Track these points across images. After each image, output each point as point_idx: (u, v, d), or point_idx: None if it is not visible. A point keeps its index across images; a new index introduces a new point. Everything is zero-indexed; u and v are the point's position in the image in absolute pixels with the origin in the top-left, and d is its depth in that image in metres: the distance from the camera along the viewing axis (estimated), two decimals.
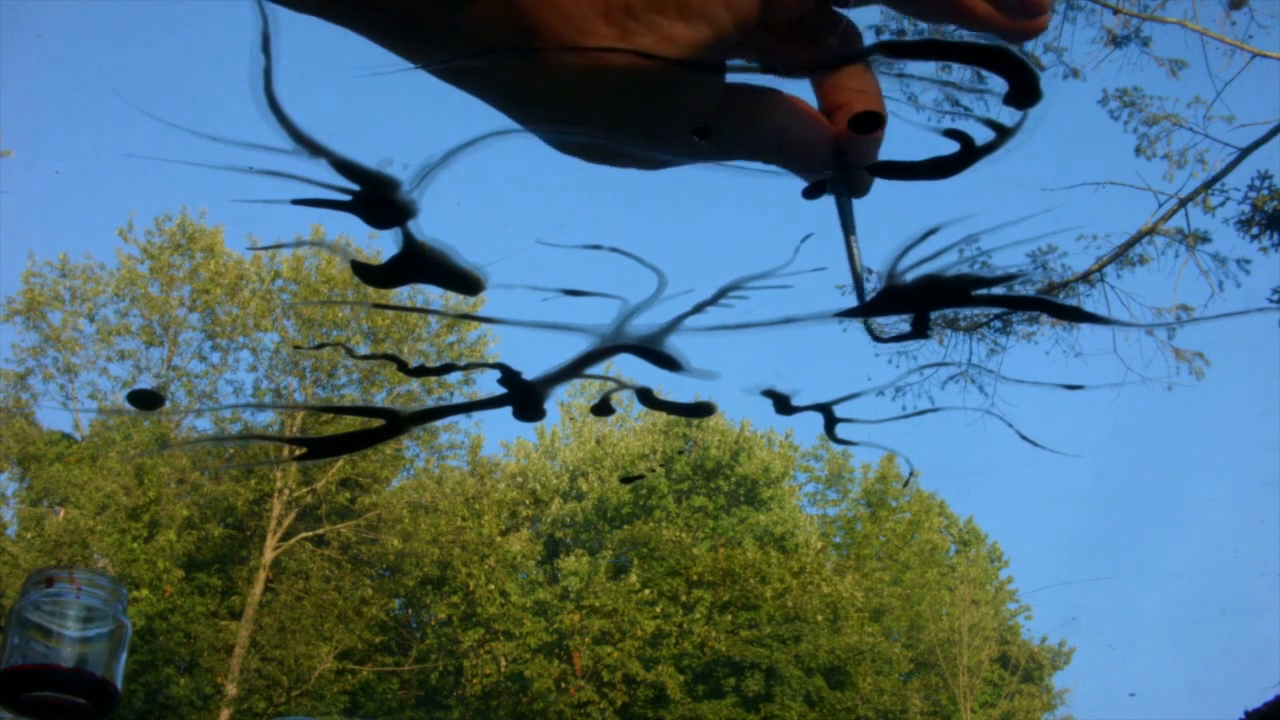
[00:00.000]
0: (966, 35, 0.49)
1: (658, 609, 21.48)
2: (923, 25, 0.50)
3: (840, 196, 0.54)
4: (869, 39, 0.50)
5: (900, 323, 0.58)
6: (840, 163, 0.53)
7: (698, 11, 0.45)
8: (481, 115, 0.49)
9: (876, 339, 0.57)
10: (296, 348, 25.15)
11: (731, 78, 0.51)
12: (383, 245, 0.51)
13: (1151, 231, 9.54)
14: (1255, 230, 9.28)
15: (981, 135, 0.52)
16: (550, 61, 0.45)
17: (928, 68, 0.49)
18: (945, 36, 0.49)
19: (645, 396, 0.63)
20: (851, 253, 0.54)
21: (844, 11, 0.50)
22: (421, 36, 0.45)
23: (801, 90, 0.53)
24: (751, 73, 0.50)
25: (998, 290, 0.55)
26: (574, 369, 0.58)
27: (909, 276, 0.55)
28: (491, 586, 21.30)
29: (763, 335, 0.56)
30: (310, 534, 19.83)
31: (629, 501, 24.03)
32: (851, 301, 0.57)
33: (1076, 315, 0.63)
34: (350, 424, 0.58)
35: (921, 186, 0.54)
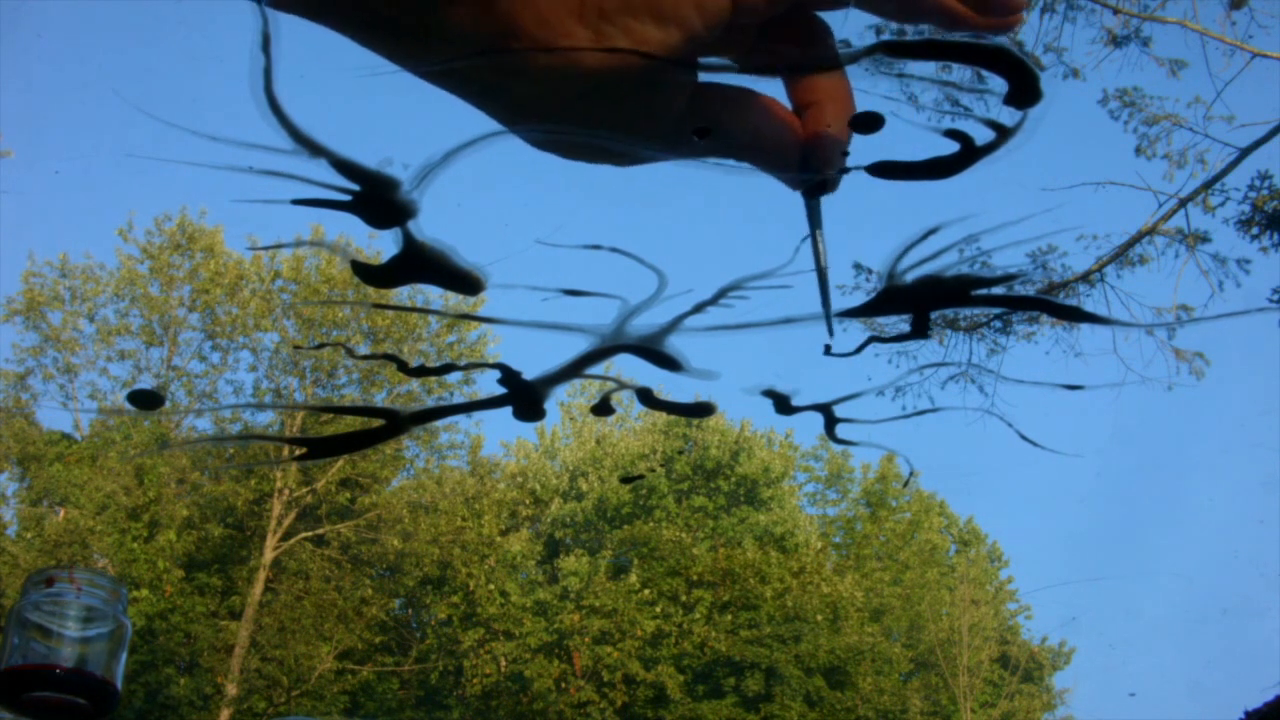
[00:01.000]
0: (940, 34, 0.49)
1: (658, 609, 21.48)
2: (922, 25, 0.50)
3: (808, 194, 0.55)
4: (868, 39, 0.50)
5: (900, 323, 0.58)
6: (809, 162, 0.53)
7: (669, 14, 0.45)
8: (481, 115, 0.49)
9: (828, 352, 0.57)
10: (296, 348, 25.16)
11: (704, 77, 0.51)
12: (383, 245, 0.51)
13: (1151, 231, 9.54)
14: (1255, 230, 9.28)
15: (981, 135, 0.52)
16: (525, 60, 0.46)
17: (928, 68, 0.49)
18: (945, 36, 0.49)
19: (645, 396, 0.63)
20: (817, 249, 0.55)
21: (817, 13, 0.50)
22: (401, 37, 0.46)
23: (774, 89, 0.54)
24: (725, 72, 0.51)
25: (998, 290, 0.55)
26: (574, 369, 0.58)
27: (909, 276, 0.55)
28: (491, 586, 21.30)
29: (763, 335, 0.56)
30: (310, 534, 19.82)
31: (629, 501, 24.02)
32: (851, 301, 0.57)
33: (1076, 315, 0.63)
34: (350, 424, 0.58)
35: (921, 186, 0.54)
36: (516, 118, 0.49)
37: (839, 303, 0.56)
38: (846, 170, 0.53)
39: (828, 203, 0.55)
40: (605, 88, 0.47)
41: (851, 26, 0.51)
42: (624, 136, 0.50)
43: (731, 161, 0.53)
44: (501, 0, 0.44)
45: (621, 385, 0.64)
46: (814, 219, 0.55)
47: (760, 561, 21.97)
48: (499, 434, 26.55)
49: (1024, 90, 0.50)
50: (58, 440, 20.08)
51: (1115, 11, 9.28)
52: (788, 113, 0.53)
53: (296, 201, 0.49)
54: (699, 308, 0.57)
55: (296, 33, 0.45)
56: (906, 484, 28.74)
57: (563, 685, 20.99)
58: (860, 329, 0.61)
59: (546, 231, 0.58)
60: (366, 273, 0.53)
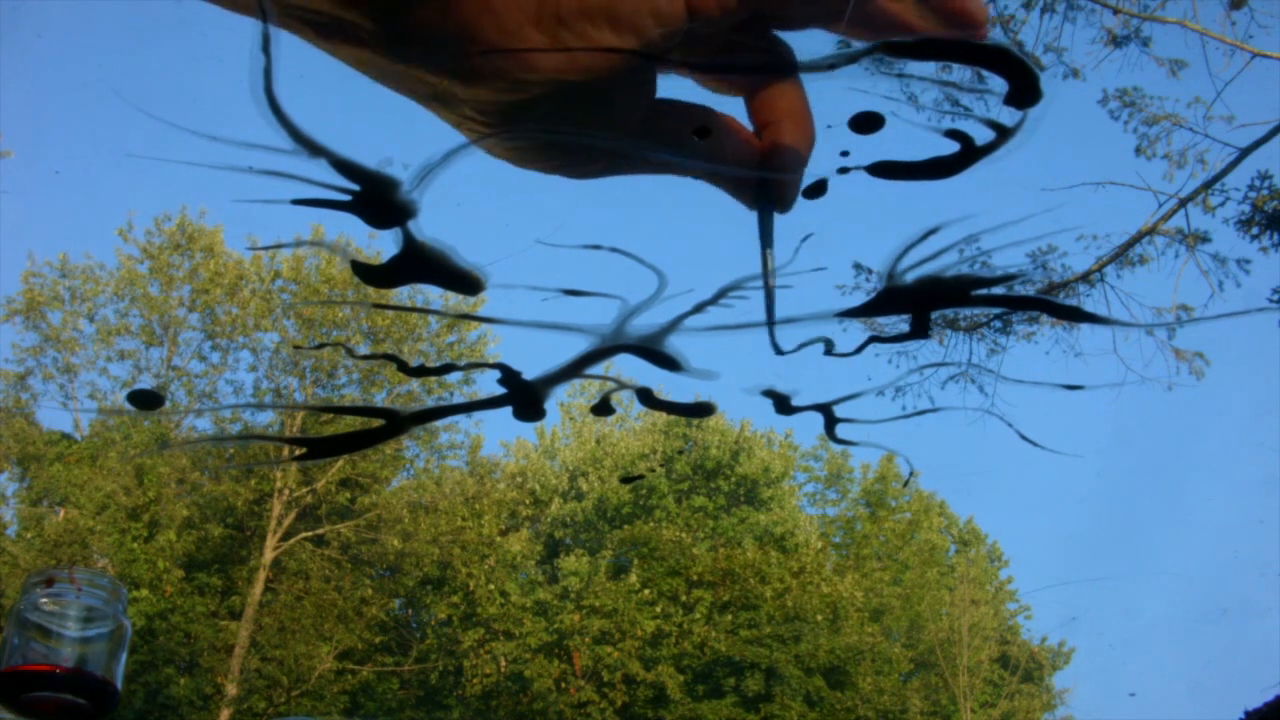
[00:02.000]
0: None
1: (658, 609, 21.48)
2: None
3: (763, 212, 0.55)
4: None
5: (900, 323, 0.58)
6: (765, 180, 0.54)
7: (625, 20, 0.46)
8: None
9: (779, 352, 0.57)
10: (296, 348, 25.16)
11: (663, 92, 0.52)
12: (383, 245, 0.51)
13: (1151, 231, 9.54)
14: (1255, 230, 9.28)
15: (981, 135, 0.52)
16: (480, 65, 0.46)
17: (928, 68, 0.49)
18: (946, 36, 0.49)
19: (645, 396, 0.63)
20: (766, 266, 0.55)
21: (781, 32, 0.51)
22: (362, 42, 0.46)
23: (736, 109, 0.54)
24: (685, 75, 0.51)
25: (998, 290, 0.55)
26: (574, 369, 0.58)
27: (909, 276, 0.55)
28: (491, 586, 21.31)
29: (763, 335, 0.56)
30: (310, 534, 19.83)
31: (629, 501, 24.03)
32: (851, 301, 0.57)
33: (1076, 315, 0.63)
34: (350, 424, 0.58)
35: (921, 186, 0.54)
36: (467, 121, 0.49)
37: (840, 303, 0.56)
38: (849, 171, 0.53)
39: (829, 202, 0.55)
40: (563, 93, 0.47)
41: None
42: (584, 138, 0.51)
43: (690, 178, 0.54)
44: (462, 5, 0.44)
45: (621, 385, 0.64)
46: (766, 236, 0.55)
47: (760, 561, 21.97)
48: (499, 434, 26.56)
49: (1024, 90, 0.50)
50: (58, 440, 20.08)
51: (1115, 11, 9.28)
52: (747, 131, 0.54)
53: (296, 201, 0.49)
54: (699, 308, 0.57)
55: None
56: (906, 484, 28.74)
57: (563, 685, 20.99)
58: (860, 329, 0.61)
59: (546, 231, 0.58)
60: (366, 273, 0.53)
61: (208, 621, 18.77)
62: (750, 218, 0.55)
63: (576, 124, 0.50)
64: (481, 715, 21.52)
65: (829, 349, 0.59)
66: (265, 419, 22.12)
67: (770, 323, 0.55)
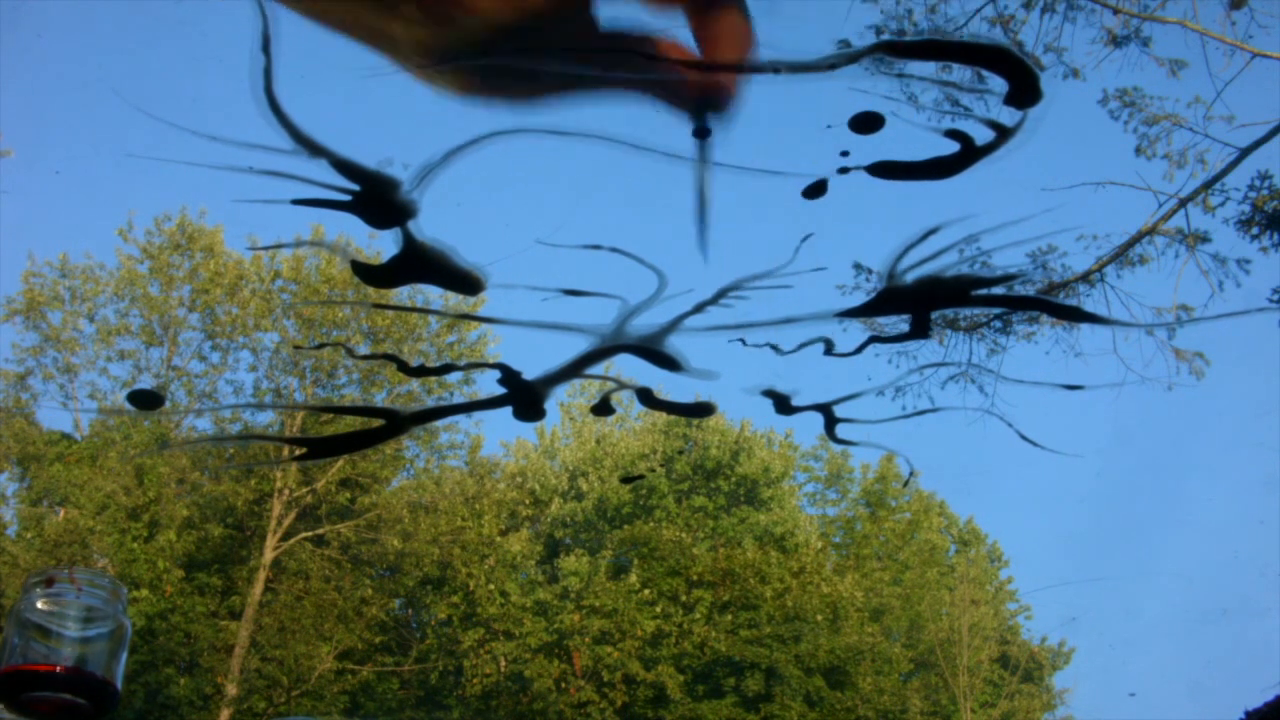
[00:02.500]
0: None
1: (658, 609, 21.47)
2: (922, 24, 0.50)
3: (700, 134, 0.55)
4: (868, 39, 0.50)
5: (900, 323, 0.58)
6: (704, 86, 0.54)
7: None
8: (483, 116, 0.49)
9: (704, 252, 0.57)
10: (296, 348, 25.14)
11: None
12: (383, 245, 0.51)
13: (1151, 231, 9.54)
14: (1255, 230, 9.28)
15: (981, 135, 0.52)
16: (418, 5, 0.45)
17: (928, 68, 0.49)
18: (946, 36, 0.49)
19: (645, 396, 0.63)
20: (702, 187, 0.55)
21: None
22: None
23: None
24: None
25: (998, 290, 0.55)
26: (574, 369, 0.58)
27: (909, 276, 0.55)
28: (491, 586, 21.30)
29: (763, 336, 0.56)
30: (310, 534, 19.82)
31: (629, 501, 24.02)
32: (851, 301, 0.57)
33: (1076, 315, 0.63)
34: (350, 424, 0.58)
35: (921, 186, 0.54)
36: (408, 58, 0.49)
37: (840, 303, 0.56)
38: (849, 171, 0.53)
39: (829, 202, 0.55)
40: (501, 32, 0.47)
41: (851, 26, 0.51)
42: (523, 75, 0.50)
43: (636, 99, 0.53)
44: None
45: (621, 385, 0.64)
46: (704, 157, 0.55)
47: (760, 561, 21.96)
48: (499, 434, 26.55)
49: (1024, 90, 0.50)
50: (58, 440, 20.08)
51: (1115, 11, 9.28)
52: (686, 54, 0.54)
53: (296, 201, 0.49)
54: (699, 308, 0.57)
55: (296, 33, 0.45)
56: (906, 484, 28.74)
57: (563, 685, 20.98)
58: (860, 329, 0.61)
59: (546, 231, 0.58)
60: (366, 273, 0.53)
61: (208, 621, 18.76)
62: (753, 215, 0.55)
63: (514, 52, 0.49)
64: (481, 715, 21.51)
65: (829, 349, 0.59)
66: (265, 419, 22.12)
67: (702, 222, 0.55)
